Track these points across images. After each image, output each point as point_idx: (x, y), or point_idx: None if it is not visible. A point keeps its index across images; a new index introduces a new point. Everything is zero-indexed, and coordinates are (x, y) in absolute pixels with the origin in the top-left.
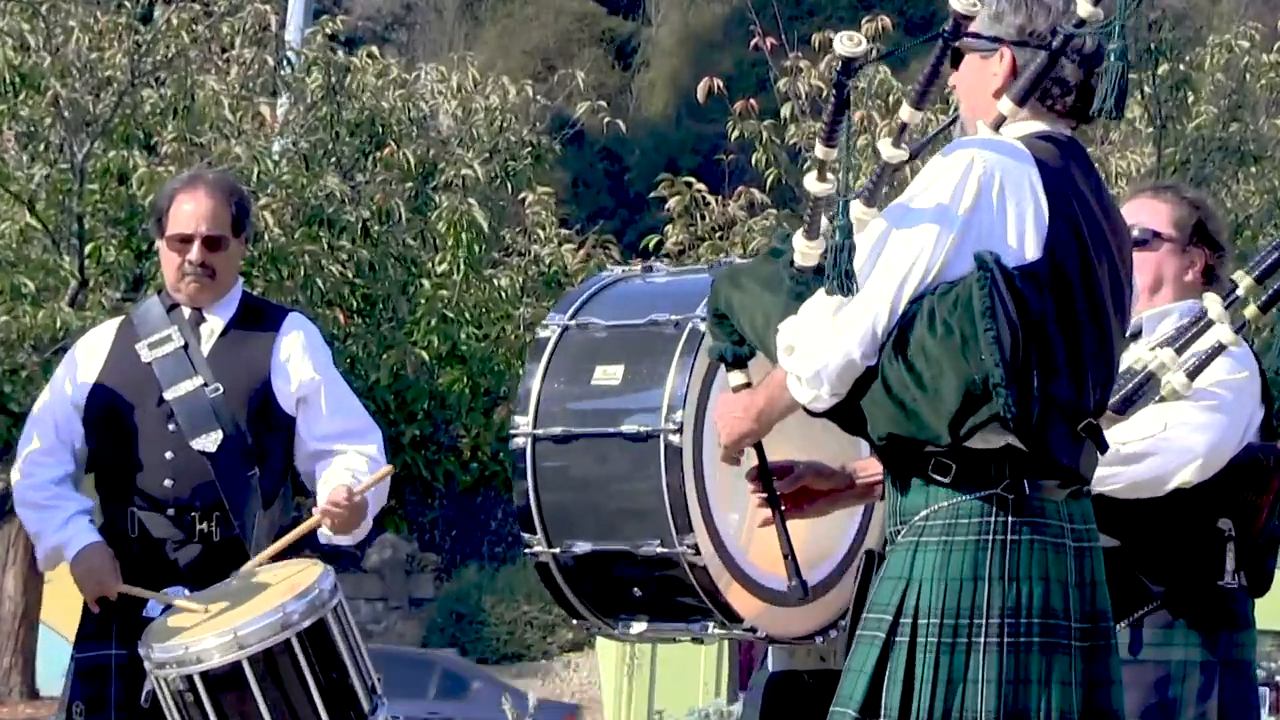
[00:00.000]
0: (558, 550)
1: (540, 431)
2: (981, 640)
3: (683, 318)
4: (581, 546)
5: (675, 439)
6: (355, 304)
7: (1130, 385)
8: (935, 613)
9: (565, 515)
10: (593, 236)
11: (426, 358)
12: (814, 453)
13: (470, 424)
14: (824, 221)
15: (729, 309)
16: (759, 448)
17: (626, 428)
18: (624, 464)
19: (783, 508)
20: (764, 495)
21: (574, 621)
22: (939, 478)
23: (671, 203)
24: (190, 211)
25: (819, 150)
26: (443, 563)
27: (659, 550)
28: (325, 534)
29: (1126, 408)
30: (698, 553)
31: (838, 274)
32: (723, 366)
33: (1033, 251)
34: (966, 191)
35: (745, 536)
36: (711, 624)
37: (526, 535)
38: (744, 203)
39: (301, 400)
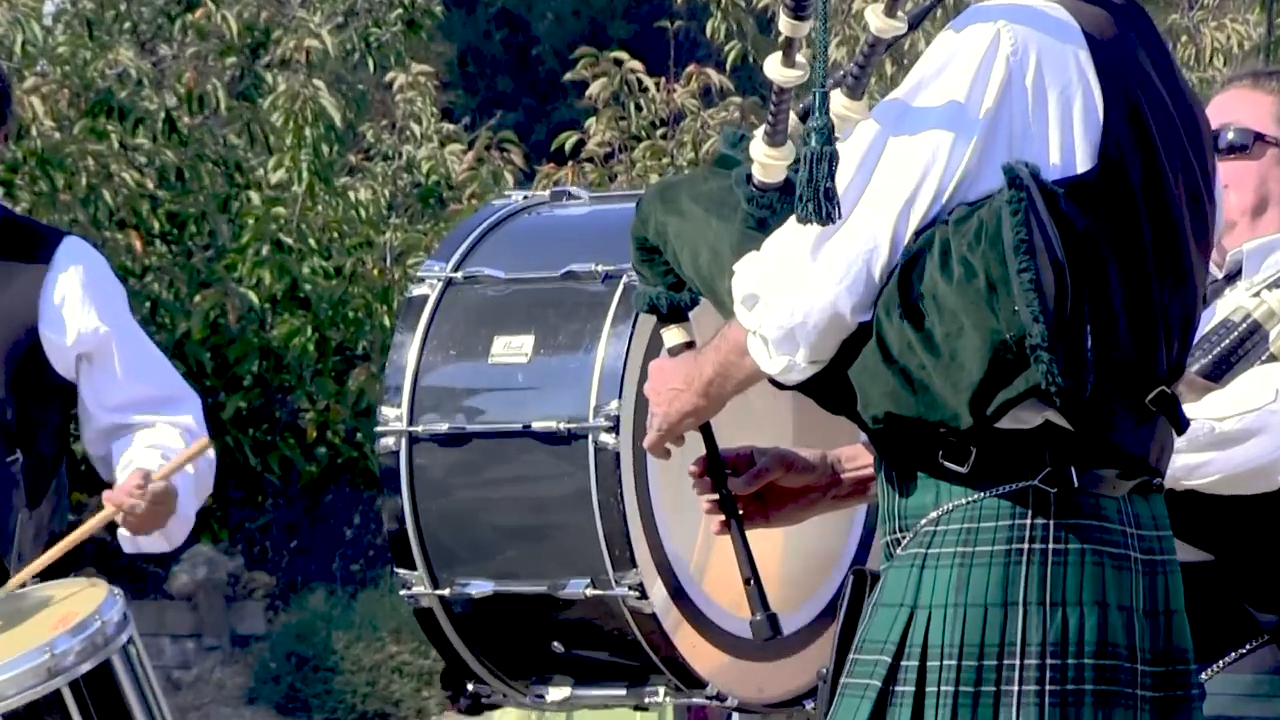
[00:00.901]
0: (446, 592)
1: (419, 429)
2: (1015, 688)
3: (615, 268)
4: (480, 587)
5: (609, 440)
6: (157, 225)
7: (1227, 342)
8: (951, 652)
9: (456, 544)
10: (486, 134)
11: (256, 301)
12: (783, 438)
13: (317, 393)
14: (793, 120)
15: (661, 239)
16: (706, 432)
17: (540, 424)
18: (538, 474)
19: (741, 512)
20: (714, 497)
21: (469, 687)
22: (953, 466)
23: (595, 87)
24: None
25: (784, 23)
26: (278, 586)
27: (589, 592)
28: (126, 538)
29: (1223, 372)
30: (642, 595)
31: (813, 194)
32: (656, 323)
33: (1082, 160)
34: (991, 79)
35: (696, 559)
36: (661, 688)
37: (403, 572)
38: (695, 88)
39: (84, 358)
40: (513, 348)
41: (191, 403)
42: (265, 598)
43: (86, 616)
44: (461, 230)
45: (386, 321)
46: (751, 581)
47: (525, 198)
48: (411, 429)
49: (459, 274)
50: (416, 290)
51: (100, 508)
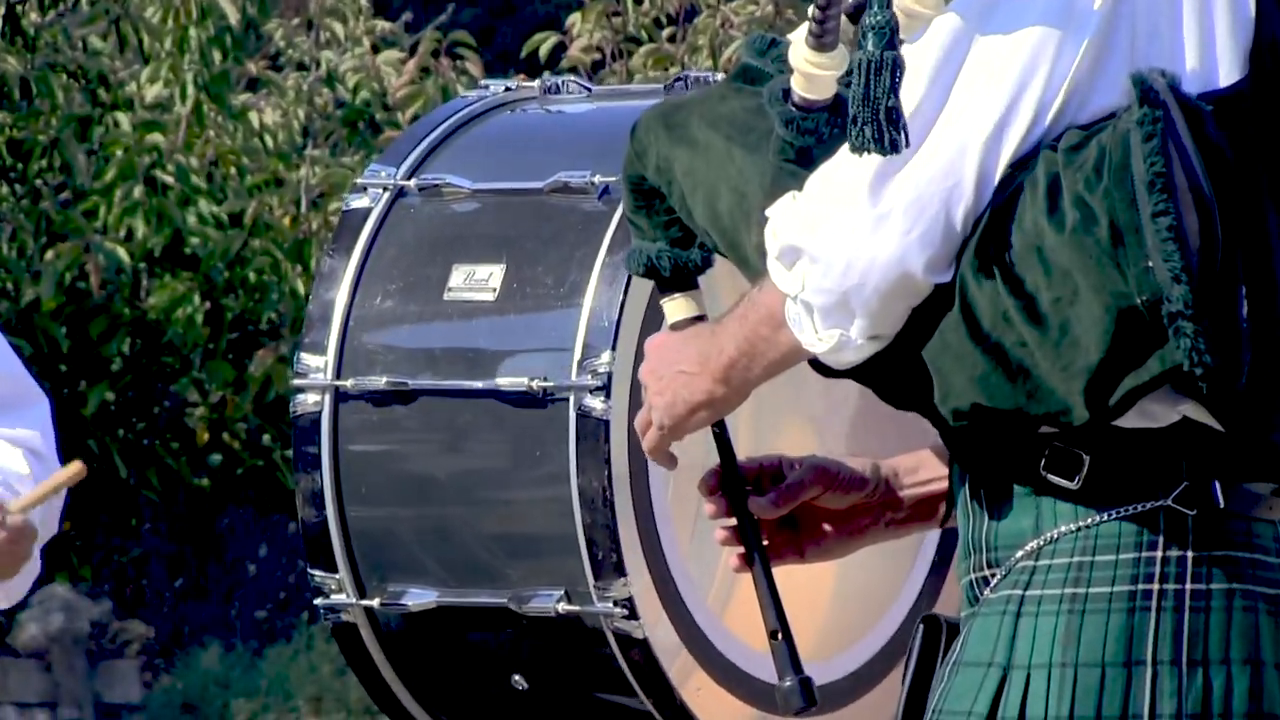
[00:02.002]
0: (376, 602)
1: (349, 384)
2: None
3: (617, 179)
4: (419, 596)
5: (597, 404)
6: None
7: None
8: None
9: (392, 539)
10: (433, 36)
11: (126, 258)
12: (826, 443)
13: (209, 381)
14: (843, 21)
15: (664, 179)
16: (720, 433)
17: (508, 381)
18: (501, 447)
19: (766, 543)
20: (730, 523)
21: None
22: (1059, 481)
23: None
24: None
25: None
26: (158, 639)
27: (561, 608)
28: None
29: None
30: (632, 614)
31: (871, 114)
32: (654, 291)
33: (1229, 70)
34: None
35: (718, 584)
36: None
37: (319, 575)
38: None
39: None
40: (476, 280)
41: (38, 408)
42: (141, 655)
43: None
44: (419, 127)
45: (300, 287)
46: (779, 635)
47: (507, 89)
48: (338, 383)
49: (411, 182)
50: (355, 202)
51: None
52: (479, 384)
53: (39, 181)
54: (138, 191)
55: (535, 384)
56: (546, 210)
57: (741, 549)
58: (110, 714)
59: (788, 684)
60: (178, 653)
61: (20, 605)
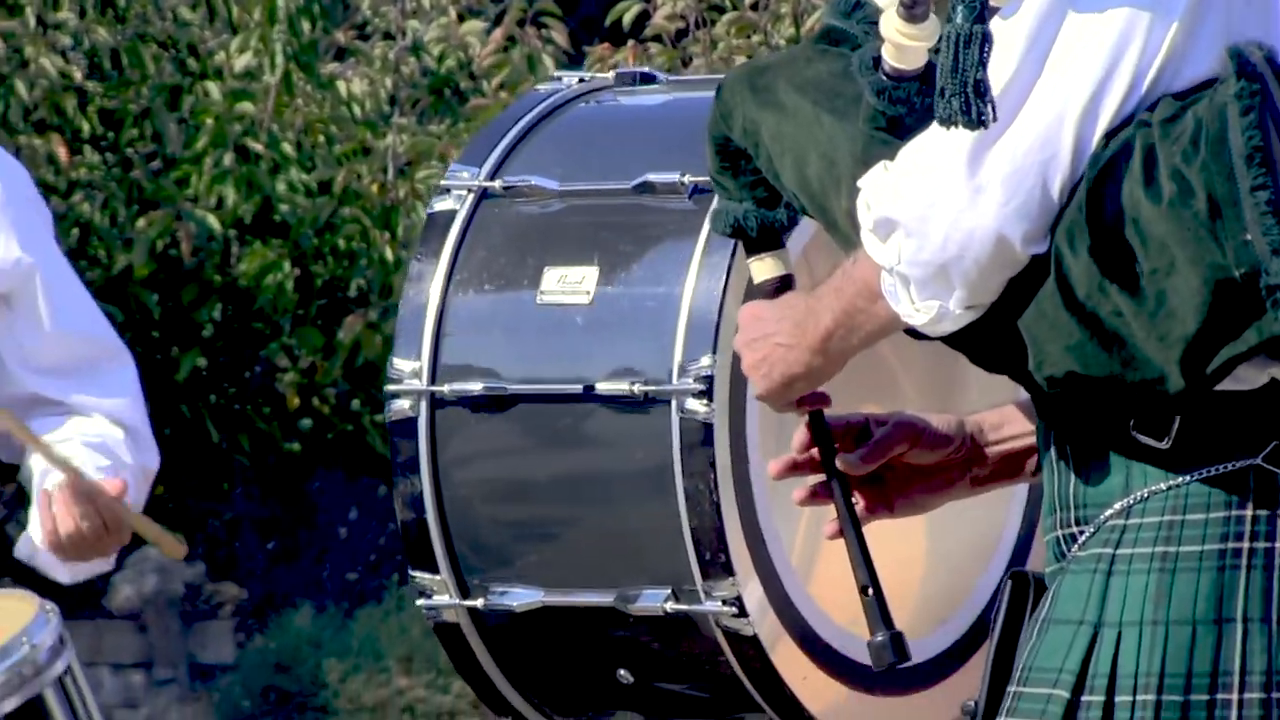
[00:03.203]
0: (479, 603)
1: (443, 389)
2: None
3: (706, 179)
4: (523, 597)
5: (699, 406)
6: (87, 127)
7: None
8: (1149, 684)
9: (493, 541)
10: (519, 7)
11: (216, 226)
12: (909, 399)
13: (299, 347)
14: None
15: (751, 140)
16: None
17: (607, 385)
18: (602, 450)
19: (854, 501)
20: (819, 479)
21: None
22: (1150, 441)
23: None
24: None
25: None
26: (251, 601)
27: (669, 607)
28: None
29: None
30: (741, 612)
31: (959, 87)
32: (741, 251)
33: None
34: None
35: (813, 568)
36: None
37: (422, 576)
38: None
39: (1, 301)
40: (570, 283)
41: (125, 372)
42: (234, 616)
43: (10, 639)
44: (497, 126)
45: (389, 253)
46: (869, 591)
47: (581, 81)
48: (434, 389)
49: (496, 183)
50: (439, 204)
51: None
52: (578, 388)
53: (130, 150)
54: (228, 160)
55: (635, 388)
56: (636, 210)
57: (834, 516)
58: (204, 674)
59: (879, 639)
60: (270, 614)
61: (115, 568)
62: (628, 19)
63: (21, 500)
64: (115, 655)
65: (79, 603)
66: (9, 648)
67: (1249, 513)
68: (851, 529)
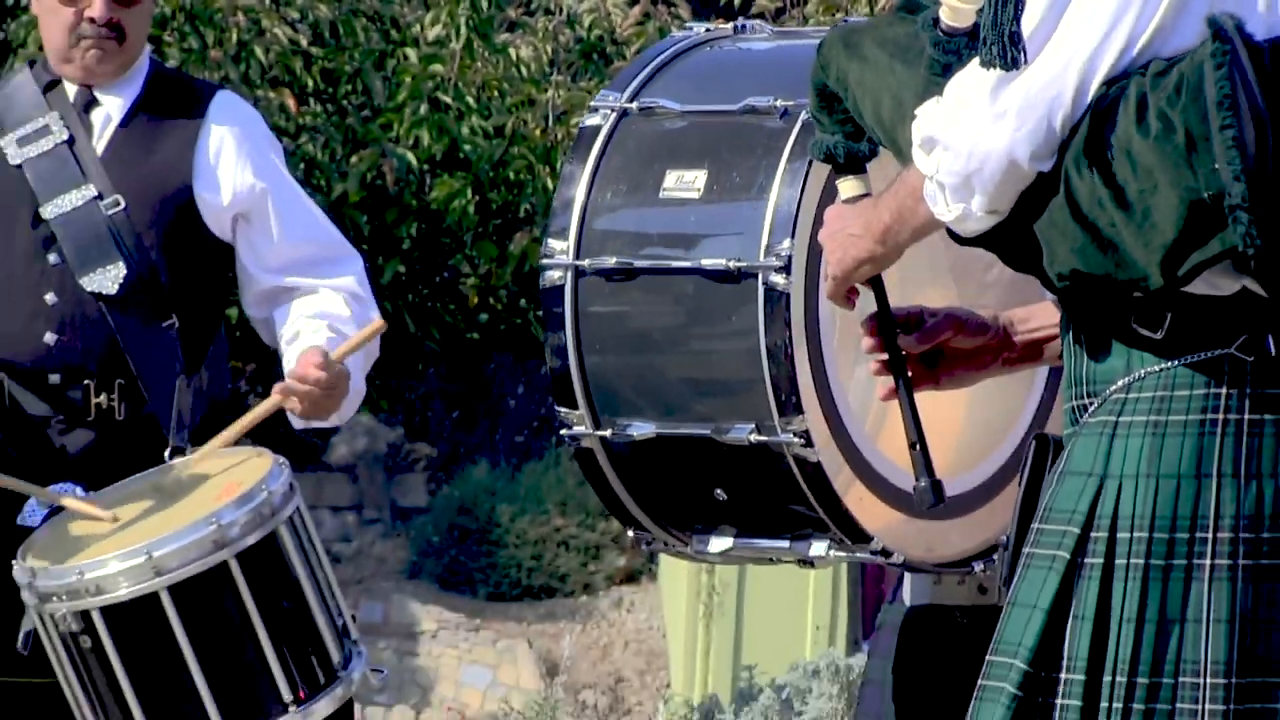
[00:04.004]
0: (608, 433)
1: (585, 263)
2: (1207, 562)
3: (794, 104)
4: (642, 428)
5: (780, 280)
6: (310, 84)
7: None
8: (1142, 524)
9: (620, 384)
10: None
11: (414, 161)
12: (957, 301)
13: (478, 256)
14: None
15: (842, 87)
16: (877, 285)
17: (710, 261)
18: (705, 313)
19: (909, 374)
20: (883, 356)
21: (629, 533)
22: (1146, 333)
23: None
24: None
25: None
26: (440, 457)
27: (753, 438)
28: (298, 420)
29: None
30: (808, 443)
31: (996, 37)
32: (832, 173)
33: None
34: None
35: (873, 417)
36: (826, 542)
37: (564, 411)
38: None
39: (241, 218)
40: (685, 183)
41: (353, 262)
42: (426, 469)
43: (252, 487)
44: (639, 61)
45: (549, 183)
46: (917, 446)
47: (707, 30)
48: (577, 263)
49: (634, 105)
50: (589, 120)
51: (266, 387)
52: (688, 264)
53: (345, 102)
54: (423, 109)
55: (732, 264)
56: (739, 127)
57: (891, 381)
58: (403, 515)
59: (922, 484)
60: (454, 468)
61: (332, 430)
62: None
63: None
64: (333, 500)
65: (305, 458)
66: (251, 493)
67: (1224, 391)
68: (905, 394)
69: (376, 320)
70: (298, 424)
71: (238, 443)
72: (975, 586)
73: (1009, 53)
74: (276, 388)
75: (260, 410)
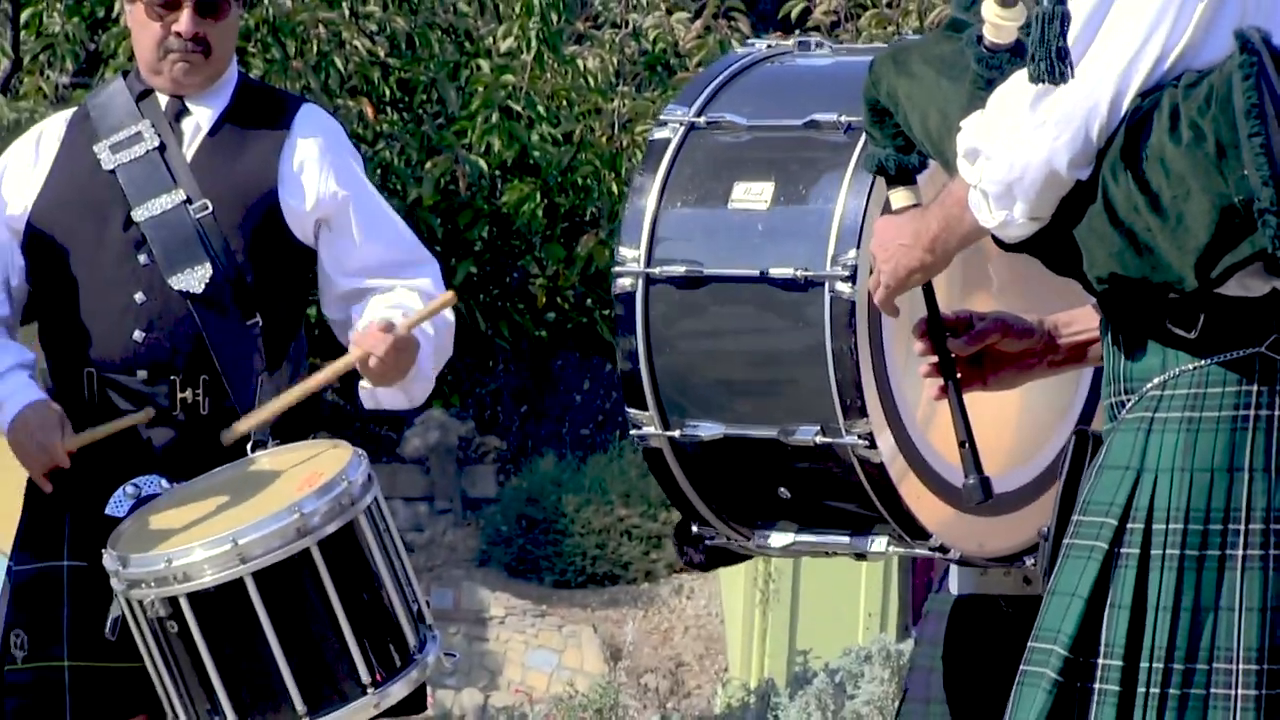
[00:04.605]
0: (676, 434)
1: (655, 271)
2: (1239, 553)
3: (857, 119)
4: (709, 429)
5: (845, 289)
6: (388, 93)
7: None
8: (1177, 515)
9: (688, 386)
10: (713, 2)
11: (485, 167)
12: (1004, 307)
13: (546, 258)
14: None
15: (892, 102)
16: (928, 292)
17: (777, 270)
18: (772, 320)
19: (959, 376)
20: (933, 359)
21: (694, 528)
22: (1181, 332)
23: None
24: None
25: None
26: (509, 450)
27: (818, 440)
28: (366, 392)
29: None
30: (872, 444)
31: (1044, 53)
32: (884, 184)
33: None
34: None
35: (924, 411)
36: (884, 538)
37: (633, 412)
38: None
39: (323, 223)
40: (752, 194)
41: (429, 266)
42: (496, 461)
43: (333, 477)
44: (705, 76)
45: (615, 188)
46: (966, 444)
47: (769, 46)
48: (648, 270)
49: (701, 119)
50: (658, 134)
51: (342, 382)
52: (755, 272)
53: (420, 110)
54: (495, 117)
55: (799, 273)
56: (804, 141)
57: (942, 381)
58: (473, 505)
59: (971, 481)
60: (523, 460)
61: (406, 424)
62: (795, 13)
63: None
64: (406, 491)
65: (379, 450)
66: (332, 483)
67: (1255, 388)
68: (955, 394)
69: (446, 294)
70: (367, 402)
71: (315, 438)
72: (1021, 578)
73: (1056, 68)
74: (351, 337)
75: (334, 369)
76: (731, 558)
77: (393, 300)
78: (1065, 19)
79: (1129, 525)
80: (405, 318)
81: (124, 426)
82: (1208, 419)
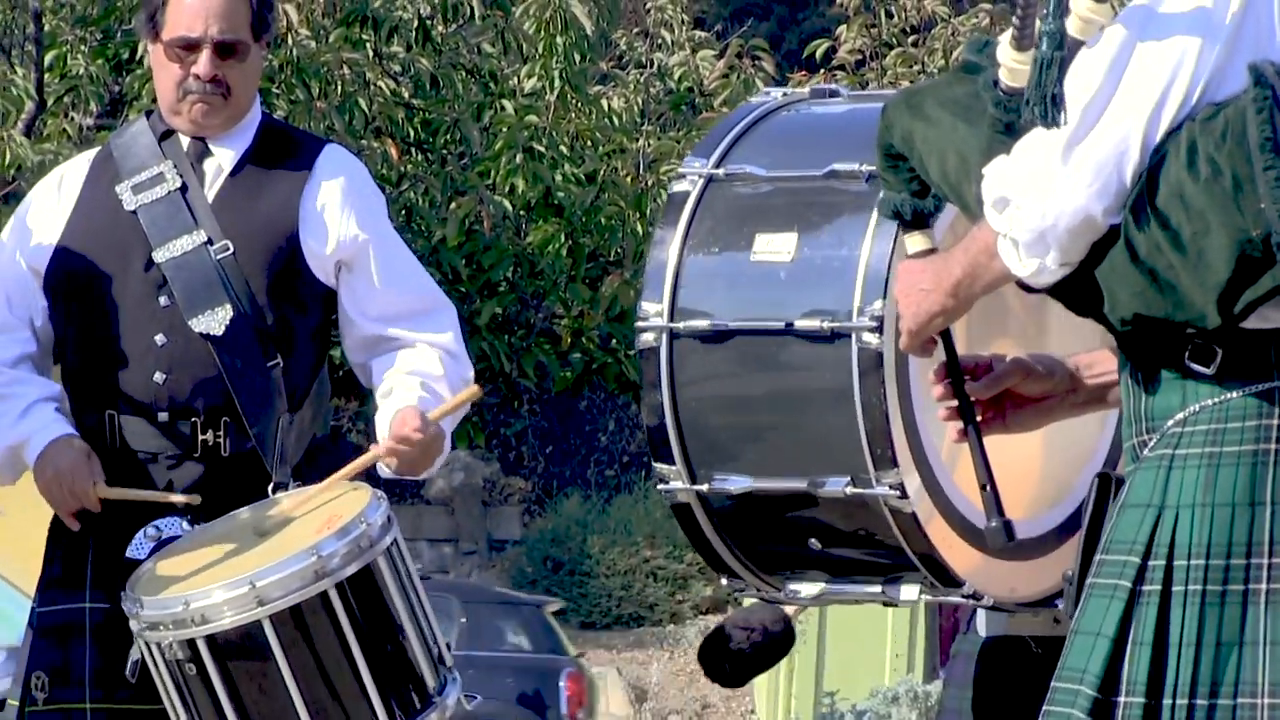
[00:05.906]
0: (704, 488)
1: (680, 325)
2: (1263, 587)
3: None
4: (737, 483)
5: (873, 340)
6: (412, 134)
7: None
8: (1199, 550)
9: (716, 441)
10: (737, 42)
11: (510, 207)
12: (1023, 349)
13: (571, 299)
14: (1038, 25)
15: (907, 146)
16: (946, 338)
17: (803, 323)
18: (799, 373)
19: (978, 419)
20: (953, 403)
21: (723, 581)
22: (1199, 368)
23: None
24: (195, 7)
25: None
26: (533, 491)
27: (849, 490)
28: (386, 471)
29: None
30: (903, 495)
31: (1040, 99)
32: (898, 229)
33: None
34: None
35: (949, 453)
36: (916, 586)
37: (661, 467)
38: None
39: (344, 266)
40: (775, 246)
41: (448, 315)
42: (521, 503)
43: (351, 519)
44: (721, 127)
45: (639, 228)
46: (987, 487)
47: (784, 95)
48: (672, 325)
49: (720, 170)
50: (677, 186)
51: (365, 424)
52: (780, 324)
53: (445, 151)
54: (519, 158)
55: (825, 325)
56: (825, 192)
57: (961, 424)
58: (498, 547)
59: (993, 524)
60: (548, 501)
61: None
62: (819, 53)
63: (362, 416)
64: (431, 532)
65: (404, 492)
66: (350, 526)
67: (1275, 422)
68: (975, 438)
69: (472, 387)
70: (385, 474)
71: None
72: (1050, 617)
73: (1050, 113)
74: (380, 447)
75: (360, 462)
76: (760, 668)
77: (412, 363)
78: (1062, 65)
79: (1150, 562)
80: (424, 395)
81: (163, 500)
82: (1228, 453)
